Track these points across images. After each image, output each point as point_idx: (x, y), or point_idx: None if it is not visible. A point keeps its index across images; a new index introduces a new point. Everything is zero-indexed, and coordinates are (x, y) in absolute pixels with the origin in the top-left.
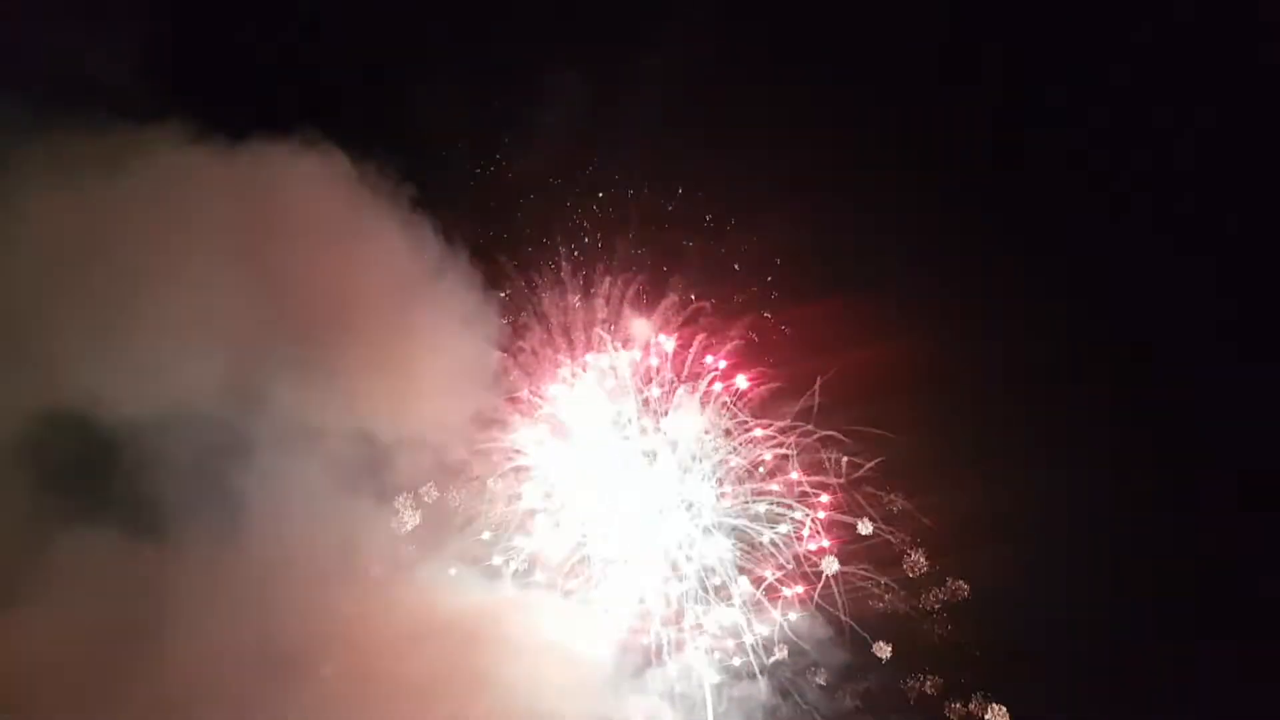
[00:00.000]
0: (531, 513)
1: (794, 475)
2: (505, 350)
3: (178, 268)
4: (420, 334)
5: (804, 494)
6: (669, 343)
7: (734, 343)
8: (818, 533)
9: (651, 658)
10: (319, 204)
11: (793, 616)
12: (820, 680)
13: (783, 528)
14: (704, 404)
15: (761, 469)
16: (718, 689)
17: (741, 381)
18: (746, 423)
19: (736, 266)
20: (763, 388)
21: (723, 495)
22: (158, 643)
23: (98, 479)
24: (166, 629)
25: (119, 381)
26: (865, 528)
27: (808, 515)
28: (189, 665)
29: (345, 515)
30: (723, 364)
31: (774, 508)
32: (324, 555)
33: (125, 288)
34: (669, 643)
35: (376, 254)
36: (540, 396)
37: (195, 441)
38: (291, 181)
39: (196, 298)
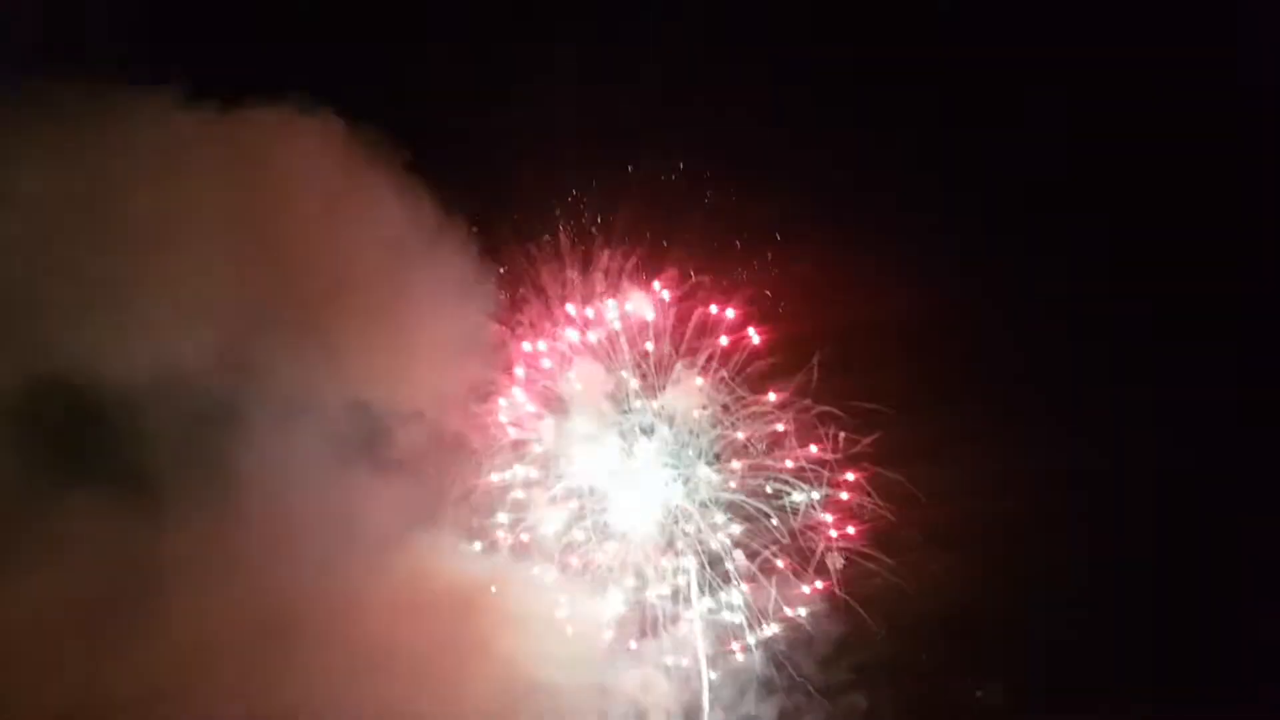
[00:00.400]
0: (529, 486)
1: (789, 464)
2: (503, 323)
3: (170, 234)
4: (416, 304)
5: (800, 470)
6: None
7: (734, 313)
8: (814, 508)
9: (647, 630)
10: (314, 170)
11: (789, 591)
12: (815, 653)
13: (779, 503)
14: (702, 377)
15: (758, 445)
16: (712, 660)
17: (752, 335)
18: (744, 398)
19: (738, 243)
20: (761, 362)
21: (719, 470)
22: (149, 610)
23: (90, 447)
24: (158, 596)
25: (111, 349)
26: (860, 503)
27: (804, 491)
28: (181, 632)
29: (342, 486)
30: (723, 340)
31: (769, 483)
32: (320, 526)
33: (117, 255)
34: (664, 615)
35: (373, 222)
36: (538, 370)
37: (188, 410)
38: (286, 147)
39: (189, 264)
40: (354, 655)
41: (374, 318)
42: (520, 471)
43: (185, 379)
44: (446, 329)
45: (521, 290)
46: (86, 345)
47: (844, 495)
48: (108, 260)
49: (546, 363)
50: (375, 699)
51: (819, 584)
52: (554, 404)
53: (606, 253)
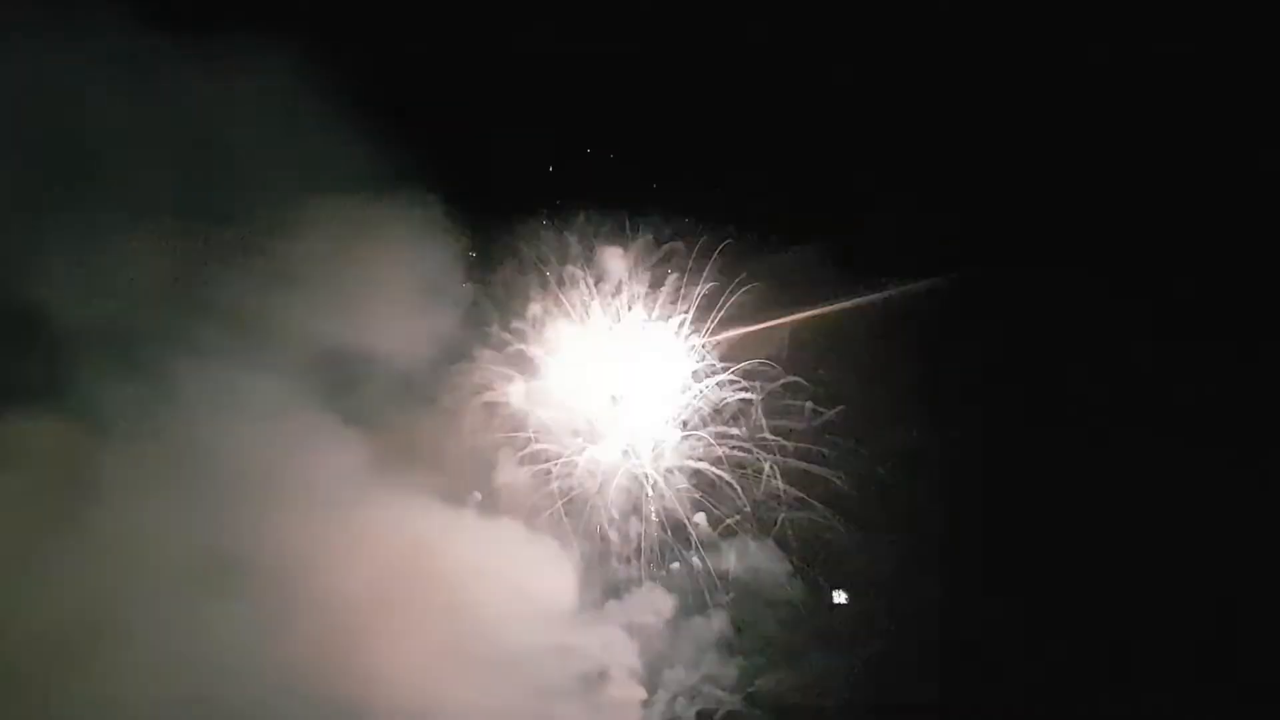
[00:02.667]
0: (497, 446)
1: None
2: (477, 281)
3: (122, 157)
4: (384, 244)
5: (764, 440)
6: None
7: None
8: (775, 477)
9: (611, 591)
10: (280, 98)
11: (749, 555)
12: (777, 615)
13: (743, 472)
14: (674, 343)
15: (725, 413)
16: (673, 622)
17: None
18: (714, 366)
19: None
20: (732, 333)
21: (686, 437)
22: (83, 535)
23: (34, 374)
24: (95, 523)
25: (57, 275)
26: (824, 473)
27: (768, 460)
28: (114, 560)
29: (298, 429)
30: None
31: (735, 452)
32: (277, 469)
33: (63, 174)
34: (628, 577)
35: (340, 155)
36: (510, 331)
37: (139, 341)
38: (250, 71)
39: (141, 188)
40: (298, 601)
41: (338, 252)
42: (490, 432)
43: (135, 309)
44: (412, 272)
45: (494, 252)
46: (30, 269)
47: (806, 465)
48: (50, 179)
49: (519, 325)
50: (317, 648)
51: (779, 551)
52: (525, 365)
53: (582, 215)
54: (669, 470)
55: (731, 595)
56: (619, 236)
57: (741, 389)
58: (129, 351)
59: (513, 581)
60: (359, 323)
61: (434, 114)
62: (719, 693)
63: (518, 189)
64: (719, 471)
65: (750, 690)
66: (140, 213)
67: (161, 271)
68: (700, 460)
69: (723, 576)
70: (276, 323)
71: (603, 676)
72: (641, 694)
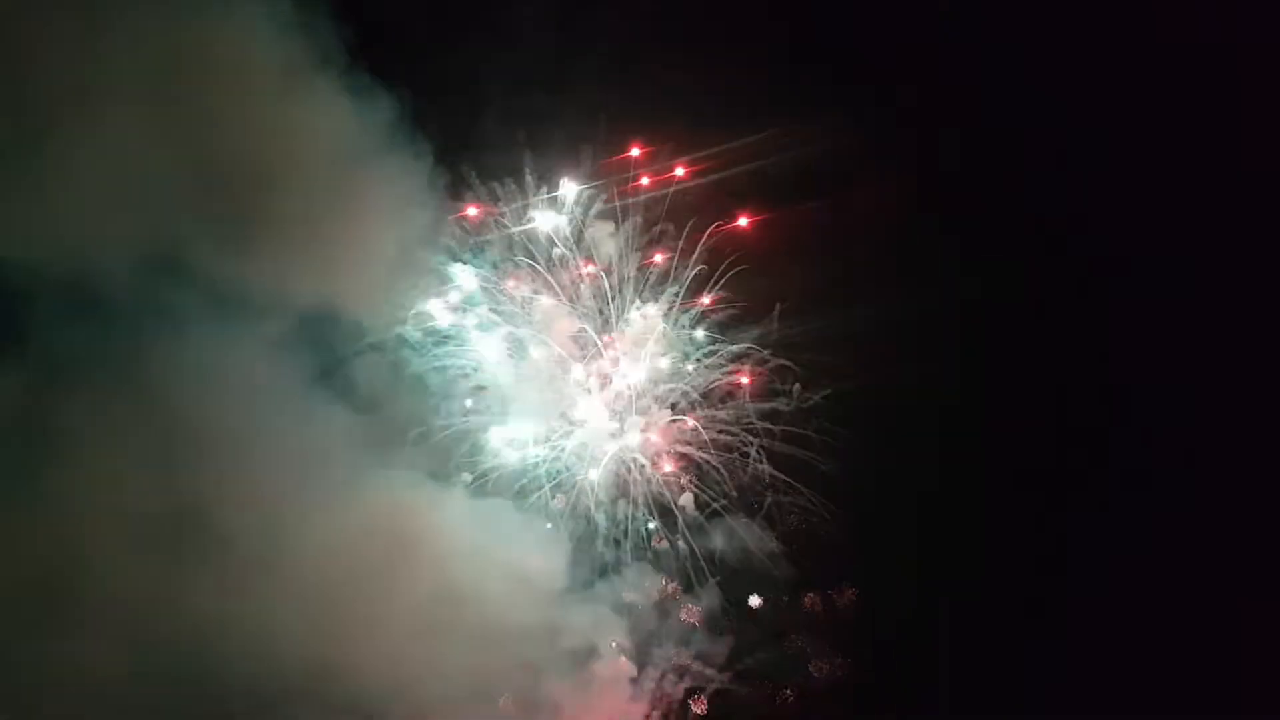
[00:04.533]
0: (485, 426)
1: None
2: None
3: (93, 110)
4: (361, 206)
5: (750, 424)
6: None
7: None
8: (761, 460)
9: (600, 571)
10: (256, 49)
11: (737, 535)
12: (758, 594)
13: (730, 455)
14: (664, 324)
15: (713, 396)
16: (662, 601)
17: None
18: (703, 347)
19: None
20: (722, 313)
21: (675, 420)
22: (46, 487)
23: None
24: (59, 476)
25: (26, 231)
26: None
27: (753, 443)
28: (77, 514)
29: (277, 400)
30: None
31: (722, 435)
32: (257, 434)
33: (33, 130)
34: (617, 558)
35: (316, 112)
36: (499, 311)
37: (108, 299)
38: (225, 22)
39: (112, 143)
40: (273, 565)
41: (312, 213)
42: (478, 411)
43: (105, 267)
44: (393, 239)
45: (482, 228)
46: None
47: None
48: (21, 135)
49: (508, 305)
50: (293, 612)
51: (766, 532)
52: (513, 345)
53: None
54: (657, 453)
55: (719, 577)
56: (609, 215)
57: (732, 371)
58: (98, 305)
59: (501, 559)
60: (341, 291)
61: (421, 78)
62: (708, 670)
63: (507, 161)
64: (706, 455)
65: (739, 668)
66: (113, 165)
67: (135, 226)
68: (688, 444)
69: (710, 557)
70: (256, 285)
71: (591, 653)
72: (631, 671)
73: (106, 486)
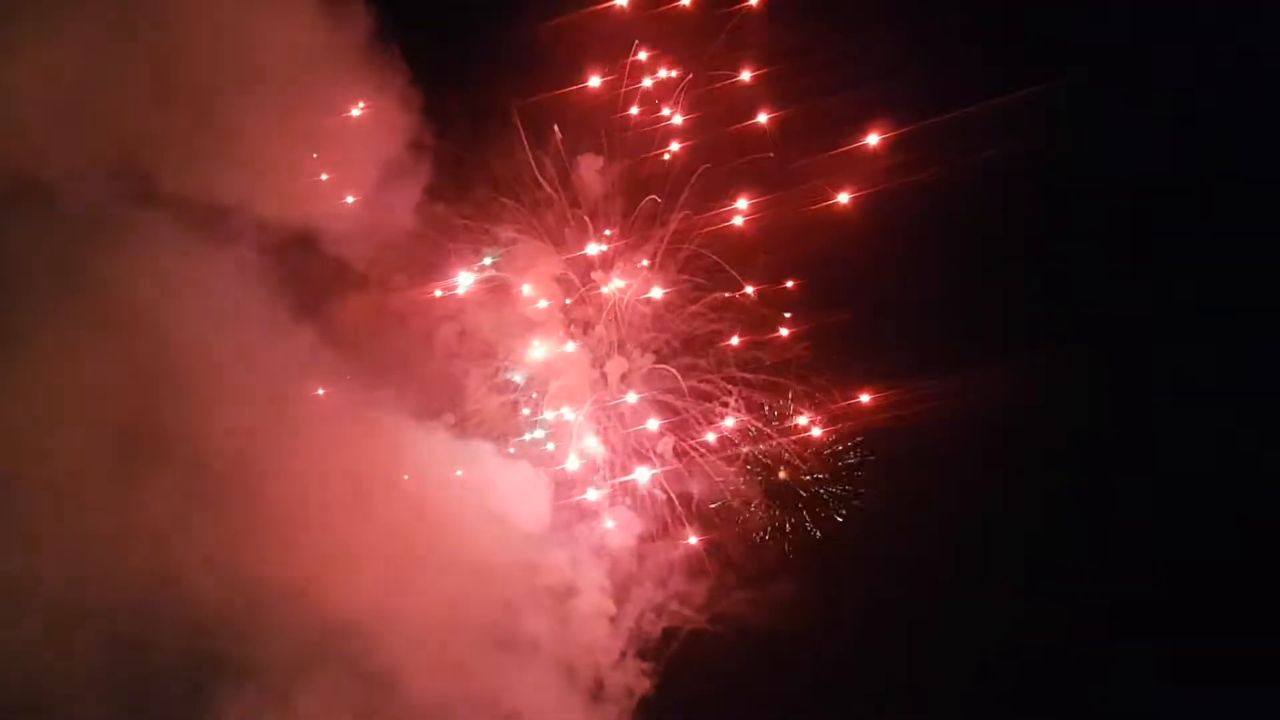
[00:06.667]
0: (467, 370)
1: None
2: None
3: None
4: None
5: (730, 377)
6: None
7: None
8: (741, 411)
9: (579, 515)
10: None
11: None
12: (744, 539)
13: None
14: (651, 269)
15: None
16: (641, 544)
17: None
18: (688, 294)
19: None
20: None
21: (656, 367)
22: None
23: None
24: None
25: None
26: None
27: (733, 391)
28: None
29: (255, 325)
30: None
31: (702, 385)
32: (227, 355)
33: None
34: (597, 502)
35: (284, 20)
36: (482, 253)
37: (64, 215)
38: None
39: (68, 47)
40: (240, 489)
41: (287, 130)
42: (462, 354)
43: (63, 182)
44: (370, 158)
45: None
46: None
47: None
48: None
49: (492, 247)
50: (259, 534)
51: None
52: (498, 289)
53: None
54: (638, 399)
55: (697, 523)
56: (595, 157)
57: (716, 319)
58: (55, 216)
59: (480, 497)
60: (312, 217)
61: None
62: (686, 611)
63: (492, 99)
64: (685, 404)
65: (717, 611)
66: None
67: (90, 133)
68: (668, 392)
69: (687, 502)
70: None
71: (571, 591)
72: (610, 609)
73: (58, 390)
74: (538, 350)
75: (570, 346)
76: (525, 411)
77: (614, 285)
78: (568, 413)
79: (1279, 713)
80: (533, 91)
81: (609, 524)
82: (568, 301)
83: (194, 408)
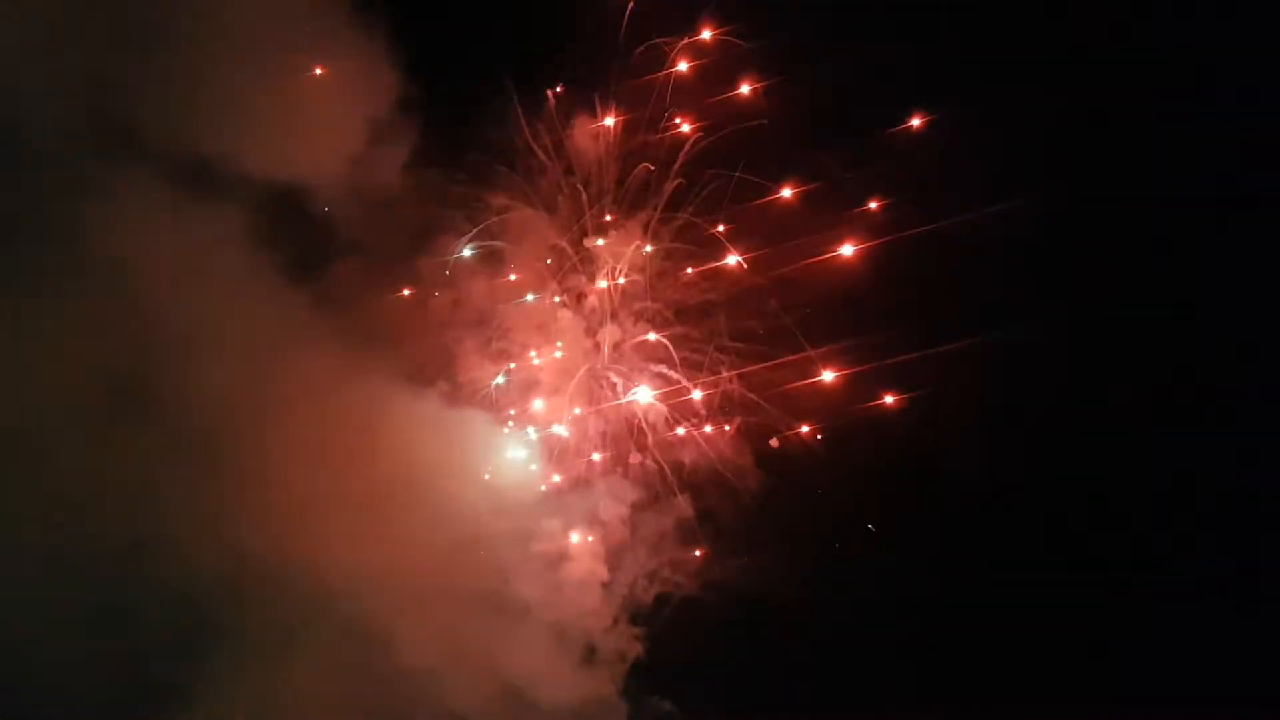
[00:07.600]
0: (460, 338)
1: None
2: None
3: None
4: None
5: (721, 347)
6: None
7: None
8: (732, 382)
9: (571, 484)
10: None
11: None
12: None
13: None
14: (643, 239)
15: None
16: (633, 514)
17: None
18: (681, 263)
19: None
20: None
21: (646, 338)
22: None
23: None
24: None
25: None
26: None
27: (725, 361)
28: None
29: (243, 283)
30: None
31: (695, 355)
32: (212, 312)
33: None
34: (590, 470)
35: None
36: (475, 221)
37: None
38: None
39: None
40: (226, 447)
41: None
42: (455, 322)
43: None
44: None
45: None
46: None
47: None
48: None
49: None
50: (245, 492)
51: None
52: (492, 257)
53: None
54: (630, 369)
55: (689, 491)
56: (590, 123)
57: (707, 290)
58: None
59: (473, 465)
60: (304, 175)
61: None
62: (679, 578)
63: (485, 66)
64: (677, 375)
65: (710, 578)
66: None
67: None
68: (660, 363)
69: (679, 471)
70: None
71: (563, 558)
72: (603, 575)
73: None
74: (529, 316)
75: (562, 315)
76: (516, 380)
77: (601, 243)
78: (561, 381)
79: None
80: (528, 55)
81: (601, 491)
82: (560, 271)
83: (180, 368)
